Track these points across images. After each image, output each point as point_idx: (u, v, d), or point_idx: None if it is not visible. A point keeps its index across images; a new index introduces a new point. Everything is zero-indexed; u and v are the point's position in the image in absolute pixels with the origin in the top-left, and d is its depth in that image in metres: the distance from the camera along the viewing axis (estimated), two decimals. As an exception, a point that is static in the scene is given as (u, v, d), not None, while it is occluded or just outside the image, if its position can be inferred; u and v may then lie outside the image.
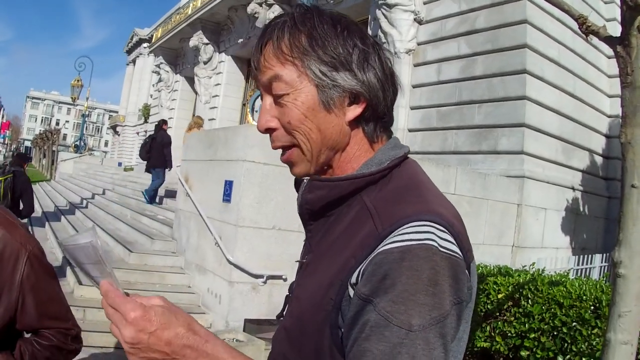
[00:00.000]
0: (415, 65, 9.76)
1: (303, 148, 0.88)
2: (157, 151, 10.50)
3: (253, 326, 5.10)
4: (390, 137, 0.93)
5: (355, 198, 0.86)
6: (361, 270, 0.76)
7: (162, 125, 11.03)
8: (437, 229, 0.75)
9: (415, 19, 9.80)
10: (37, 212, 7.71)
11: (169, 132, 11.31)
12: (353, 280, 0.77)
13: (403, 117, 9.62)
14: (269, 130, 0.90)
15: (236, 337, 4.63)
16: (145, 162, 10.95)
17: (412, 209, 0.79)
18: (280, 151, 0.92)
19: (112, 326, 0.81)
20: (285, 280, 5.43)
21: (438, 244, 0.74)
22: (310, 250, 0.94)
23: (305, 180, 0.93)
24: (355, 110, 0.87)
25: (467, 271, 0.78)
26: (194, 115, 20.57)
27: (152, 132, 10.99)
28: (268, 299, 5.43)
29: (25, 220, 7.35)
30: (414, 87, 9.70)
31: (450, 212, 0.82)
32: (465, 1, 9.07)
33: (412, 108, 9.71)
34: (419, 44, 9.85)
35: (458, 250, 0.76)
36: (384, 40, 9.71)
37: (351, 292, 0.77)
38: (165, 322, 0.78)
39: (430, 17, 9.72)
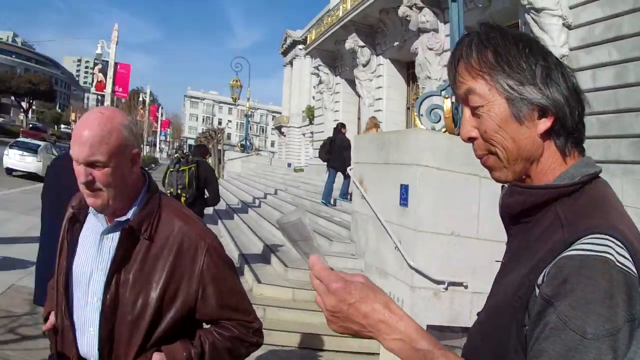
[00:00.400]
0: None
1: (500, 155, 0.94)
2: (337, 153, 10.95)
3: (436, 333, 4.91)
4: (582, 153, 0.97)
5: (550, 208, 0.91)
6: (546, 272, 0.81)
7: (340, 128, 11.44)
8: (615, 244, 0.79)
9: (564, 24, 9.60)
10: (209, 209, 7.74)
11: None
12: (539, 281, 0.82)
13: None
14: (470, 140, 0.98)
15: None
16: (325, 162, 11.49)
17: (596, 222, 0.83)
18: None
19: (317, 296, 0.90)
20: (466, 287, 5.31)
21: (615, 259, 0.77)
22: (509, 251, 1.01)
23: (506, 185, 1.00)
24: (545, 124, 0.92)
25: None
26: (359, 118, 20.72)
27: (332, 135, 11.50)
28: (449, 305, 5.32)
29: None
30: (571, 94, 9.46)
31: (632, 232, 0.85)
32: (609, 6, 8.64)
33: (572, 116, 9.43)
34: (571, 50, 9.57)
35: (634, 268, 0.78)
36: (536, 45, 9.61)
37: (537, 292, 0.82)
38: (364, 296, 0.86)
39: (578, 22, 9.46)
